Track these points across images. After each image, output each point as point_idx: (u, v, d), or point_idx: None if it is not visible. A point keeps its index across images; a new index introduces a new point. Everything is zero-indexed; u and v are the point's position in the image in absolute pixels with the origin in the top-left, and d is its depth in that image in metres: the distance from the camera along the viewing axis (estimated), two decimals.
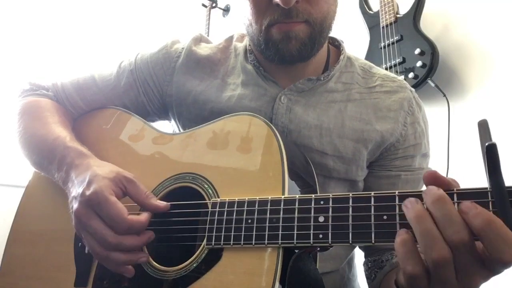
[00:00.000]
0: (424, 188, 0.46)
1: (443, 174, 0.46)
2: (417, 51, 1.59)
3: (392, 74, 0.84)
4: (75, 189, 0.65)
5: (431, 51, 1.57)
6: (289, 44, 0.70)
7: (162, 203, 0.65)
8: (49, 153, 0.74)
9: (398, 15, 1.71)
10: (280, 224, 0.54)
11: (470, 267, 0.42)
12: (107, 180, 0.63)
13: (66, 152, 0.71)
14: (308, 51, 0.72)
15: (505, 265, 0.40)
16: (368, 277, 0.81)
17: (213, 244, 0.58)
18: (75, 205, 0.63)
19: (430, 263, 0.42)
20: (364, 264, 0.84)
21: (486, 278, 0.43)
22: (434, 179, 0.45)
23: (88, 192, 0.61)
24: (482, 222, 0.40)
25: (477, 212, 0.41)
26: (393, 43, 1.68)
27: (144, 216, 0.62)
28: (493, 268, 0.42)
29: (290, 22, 0.68)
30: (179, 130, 0.88)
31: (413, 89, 0.82)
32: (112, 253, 0.61)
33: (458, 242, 0.41)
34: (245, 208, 0.57)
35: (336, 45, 0.86)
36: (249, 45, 0.83)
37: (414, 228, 0.44)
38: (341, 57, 0.81)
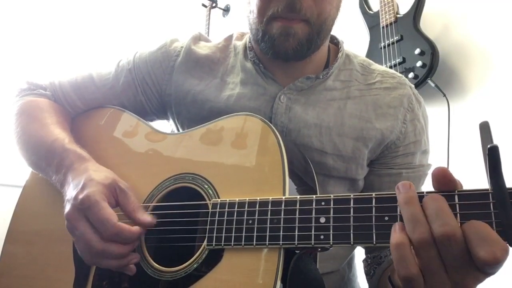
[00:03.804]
0: (423, 186, 0.46)
1: None
2: (417, 51, 1.59)
3: (392, 71, 0.84)
4: (70, 192, 0.65)
5: (431, 51, 1.57)
6: (286, 42, 0.70)
7: (146, 219, 0.63)
8: (47, 155, 0.73)
9: (398, 15, 1.71)
10: (281, 225, 0.53)
11: (456, 262, 0.42)
12: (101, 186, 0.63)
13: (65, 155, 0.71)
14: (303, 51, 0.73)
15: (487, 265, 0.40)
16: (367, 273, 0.81)
17: (213, 245, 0.57)
18: (67, 207, 0.63)
19: (414, 243, 0.43)
20: (364, 261, 0.84)
21: (477, 279, 0.43)
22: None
23: (81, 196, 0.61)
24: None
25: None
26: (393, 43, 1.68)
27: (135, 228, 0.62)
28: (481, 268, 0.41)
29: (292, 18, 0.69)
30: (178, 130, 0.87)
31: (412, 86, 0.83)
32: (98, 259, 0.61)
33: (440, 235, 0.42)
34: (246, 208, 0.57)
35: (335, 43, 0.86)
36: (249, 42, 0.83)
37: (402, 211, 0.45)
38: (339, 54, 0.81)
